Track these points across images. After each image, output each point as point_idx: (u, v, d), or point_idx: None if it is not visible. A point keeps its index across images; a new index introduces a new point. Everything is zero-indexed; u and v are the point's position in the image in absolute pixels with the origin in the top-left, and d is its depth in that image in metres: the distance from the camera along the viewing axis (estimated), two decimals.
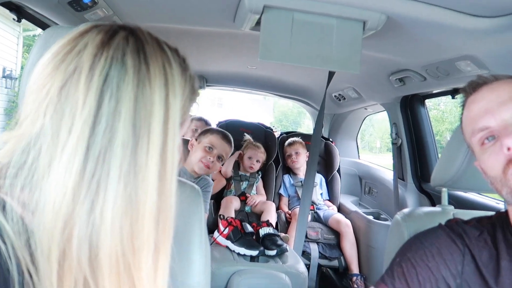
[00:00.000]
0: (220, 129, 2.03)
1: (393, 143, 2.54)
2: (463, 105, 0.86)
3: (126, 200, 0.43)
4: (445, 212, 1.09)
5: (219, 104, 24.93)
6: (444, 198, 1.15)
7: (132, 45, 0.47)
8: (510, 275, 0.73)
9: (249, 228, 1.81)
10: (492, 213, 0.89)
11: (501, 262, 0.75)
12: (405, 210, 1.11)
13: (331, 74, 2.03)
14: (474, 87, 0.82)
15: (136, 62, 0.46)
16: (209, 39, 2.04)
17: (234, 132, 3.00)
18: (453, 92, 2.01)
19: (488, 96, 0.78)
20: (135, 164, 0.44)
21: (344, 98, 3.02)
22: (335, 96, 3.09)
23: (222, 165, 2.12)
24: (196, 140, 1.92)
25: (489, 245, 0.79)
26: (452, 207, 1.15)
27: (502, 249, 0.77)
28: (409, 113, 2.44)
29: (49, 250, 0.41)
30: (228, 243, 1.77)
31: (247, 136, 2.93)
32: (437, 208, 1.13)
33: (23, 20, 1.40)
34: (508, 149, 0.70)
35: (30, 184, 0.42)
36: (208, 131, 1.95)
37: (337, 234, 2.66)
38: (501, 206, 1.73)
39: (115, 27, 0.49)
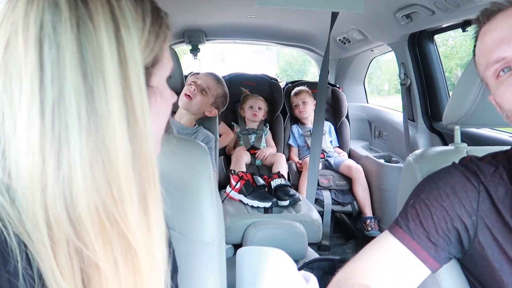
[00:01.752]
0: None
1: (401, 84, 2.47)
2: (476, 36, 0.80)
3: (93, 150, 0.41)
4: (459, 150, 1.06)
5: (222, 59, 24.49)
6: (457, 136, 1.12)
7: None
8: None
9: (261, 181, 1.82)
10: (508, 147, 0.86)
11: None
12: (417, 152, 1.08)
13: (334, 16, 1.93)
14: (488, 15, 0.76)
15: (70, 0, 0.41)
16: None
17: (239, 86, 2.97)
18: (464, 25, 1.91)
19: (503, 24, 0.72)
20: (94, 111, 0.41)
21: (349, 41, 2.91)
22: (339, 39, 2.98)
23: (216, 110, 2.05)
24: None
25: (504, 180, 0.77)
26: (465, 144, 1.11)
27: None
28: (418, 51, 2.35)
29: (33, 213, 0.40)
30: (241, 197, 1.79)
31: (244, 90, 2.88)
32: (450, 147, 1.10)
33: None
34: None
35: (3, 150, 0.41)
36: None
37: (349, 179, 2.68)
38: None
39: None
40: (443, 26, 2.11)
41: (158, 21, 0.49)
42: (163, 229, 0.50)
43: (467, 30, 1.92)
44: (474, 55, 0.83)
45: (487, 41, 0.75)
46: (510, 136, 1.76)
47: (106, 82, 0.41)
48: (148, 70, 0.49)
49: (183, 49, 4.00)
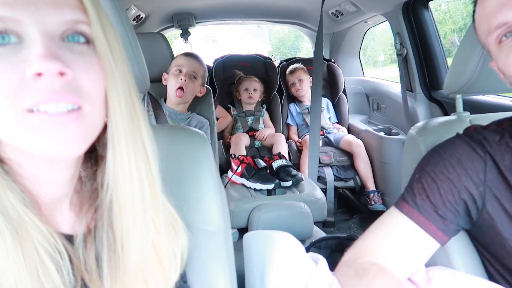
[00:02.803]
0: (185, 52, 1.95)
1: (398, 54, 2.43)
2: (475, 1, 0.77)
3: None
4: (461, 119, 1.04)
5: (213, 41, 24.20)
6: (459, 105, 1.10)
7: None
8: None
9: (262, 163, 1.81)
10: None
11: None
12: (419, 124, 1.06)
13: None
14: None
15: None
16: None
17: (233, 67, 2.93)
18: None
19: None
20: None
21: (342, 14, 2.85)
22: (332, 13, 2.92)
23: (212, 88, 2.02)
24: (167, 73, 1.85)
25: (511, 147, 0.75)
26: (468, 113, 1.09)
27: None
28: (413, 19, 2.29)
29: None
30: (243, 181, 1.78)
31: (237, 72, 2.84)
32: (452, 117, 1.08)
33: None
34: None
35: None
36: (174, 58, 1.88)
37: (349, 155, 2.67)
38: None
39: None
40: None
41: None
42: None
43: None
44: (473, 20, 0.79)
45: (488, 5, 0.71)
46: (511, 101, 1.74)
47: None
48: None
49: (173, 34, 3.93)
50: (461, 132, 0.84)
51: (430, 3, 2.25)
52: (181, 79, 1.76)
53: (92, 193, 0.54)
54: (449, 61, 2.34)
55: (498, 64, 0.74)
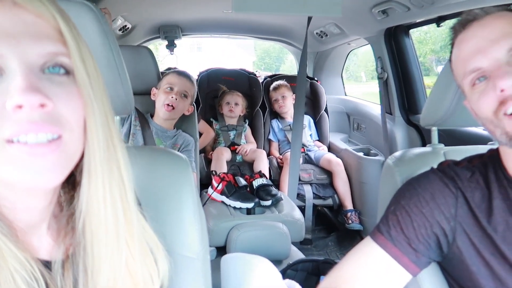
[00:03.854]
0: (177, 69, 1.95)
1: (379, 78, 2.50)
2: (452, 43, 0.81)
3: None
4: (436, 152, 1.08)
5: (198, 48, 24.18)
6: (434, 137, 1.14)
7: None
8: (502, 214, 0.74)
9: (243, 182, 1.82)
10: (484, 150, 0.89)
11: (493, 201, 0.76)
12: (396, 154, 1.10)
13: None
14: (463, 24, 0.77)
15: None
16: None
17: (217, 81, 2.95)
18: (438, 20, 1.94)
19: (479, 34, 0.73)
20: None
21: (326, 35, 2.92)
22: (316, 33, 2.98)
23: (196, 102, 2.04)
24: (156, 88, 1.85)
25: (481, 185, 0.79)
26: (442, 145, 1.14)
27: (494, 189, 0.77)
28: (394, 45, 2.37)
29: None
30: (224, 198, 1.79)
31: (221, 86, 2.87)
32: (427, 149, 1.12)
33: None
34: (502, 90, 0.67)
35: None
36: (164, 74, 1.88)
37: (329, 173, 2.71)
38: (487, 133, 1.74)
39: None
40: (418, 21, 2.14)
41: None
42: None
43: (442, 26, 1.95)
44: (450, 60, 0.84)
45: (464, 50, 0.76)
46: (484, 130, 1.80)
47: None
48: None
49: (159, 41, 3.93)
50: (435, 166, 0.88)
51: (411, 31, 2.33)
52: (172, 97, 1.76)
53: (69, 218, 0.54)
54: (427, 80, 2.43)
55: (471, 105, 0.79)
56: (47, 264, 0.50)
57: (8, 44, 0.42)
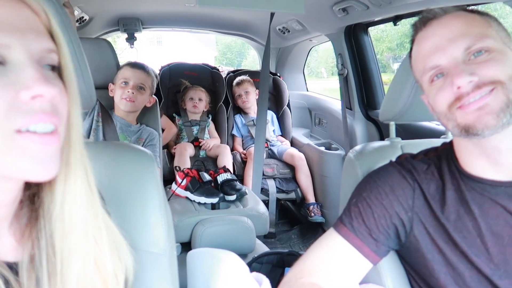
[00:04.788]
0: (131, 61, 1.90)
1: (339, 74, 2.56)
2: (413, 40, 0.85)
3: None
4: (394, 145, 1.13)
5: (158, 42, 23.71)
6: (392, 131, 1.20)
7: None
8: (454, 204, 0.79)
9: (207, 177, 1.81)
10: (437, 143, 0.94)
11: (446, 192, 0.80)
12: (357, 148, 1.14)
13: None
14: (424, 22, 0.81)
15: None
16: None
17: (179, 76, 2.91)
18: (395, 19, 2.02)
19: (438, 32, 0.77)
20: None
21: (289, 31, 2.95)
22: (279, 29, 3.01)
23: (158, 97, 2.01)
24: (113, 83, 1.81)
25: (435, 177, 0.84)
26: (399, 139, 1.19)
27: (447, 180, 0.82)
28: (353, 42, 2.44)
29: None
30: (188, 194, 1.78)
31: (183, 81, 2.84)
32: (386, 142, 1.17)
33: None
34: (458, 87, 0.71)
35: None
36: (119, 68, 1.83)
37: (292, 167, 2.75)
38: (441, 128, 1.84)
39: None
40: (376, 19, 2.21)
41: None
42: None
43: (398, 24, 2.03)
44: (410, 56, 0.88)
45: (424, 47, 0.80)
46: (437, 125, 1.91)
47: None
48: None
49: (117, 33, 3.82)
50: (394, 158, 0.93)
51: (369, 28, 2.41)
52: (128, 91, 1.72)
53: (31, 217, 0.53)
54: (384, 77, 2.52)
55: (429, 99, 0.83)
56: (12, 266, 0.48)
57: (15, 36, 0.43)
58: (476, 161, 0.79)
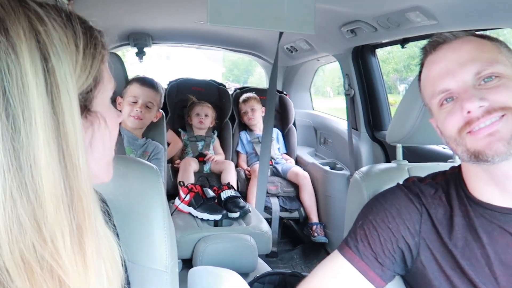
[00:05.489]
0: (140, 76, 1.90)
1: (346, 94, 2.57)
2: (422, 64, 0.85)
3: (18, 188, 0.38)
4: (400, 168, 1.12)
5: (167, 57, 23.97)
6: (399, 154, 1.19)
7: None
8: (462, 230, 0.78)
9: (211, 193, 1.80)
10: (445, 167, 0.93)
11: (454, 218, 0.79)
12: (363, 169, 1.13)
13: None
14: (434, 46, 0.81)
15: None
16: None
17: (186, 91, 2.93)
18: (403, 42, 2.03)
19: (448, 56, 0.77)
20: (20, 148, 0.38)
21: (296, 50, 2.98)
22: (287, 48, 3.04)
23: (165, 111, 2.03)
24: (121, 97, 1.81)
25: (443, 202, 0.83)
26: (406, 161, 1.18)
27: (455, 206, 0.80)
28: (361, 63, 2.46)
29: None
30: (191, 210, 1.76)
31: (190, 97, 2.85)
32: (392, 164, 1.16)
33: None
34: (468, 112, 0.71)
35: None
36: (128, 82, 1.83)
37: (296, 186, 2.74)
38: (448, 151, 1.83)
39: None
40: (384, 41, 2.23)
41: (92, 42, 0.46)
42: (99, 261, 0.48)
43: (406, 47, 2.05)
44: (419, 79, 0.88)
45: (434, 71, 0.80)
46: (443, 148, 1.89)
47: (33, 116, 0.38)
48: (88, 95, 0.46)
49: (127, 47, 3.87)
50: (400, 181, 0.92)
51: (377, 50, 2.43)
52: (137, 110, 1.74)
53: None
54: (390, 98, 2.53)
55: (438, 123, 0.83)
56: None
57: None
58: (485, 187, 0.78)
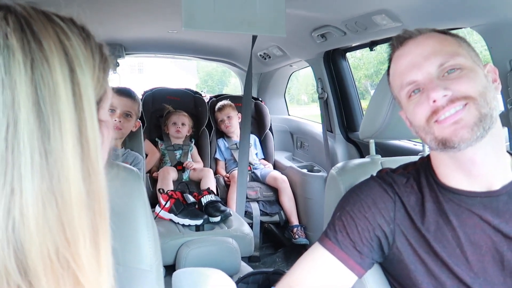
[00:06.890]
0: (117, 86, 1.90)
1: (319, 98, 2.63)
2: (390, 59, 0.90)
3: (47, 192, 0.40)
4: (374, 162, 1.17)
5: (139, 70, 23.74)
6: (372, 149, 1.24)
7: (13, 24, 0.41)
8: (433, 215, 0.82)
9: (191, 199, 1.81)
10: (415, 159, 0.98)
11: (426, 204, 0.84)
12: (339, 165, 1.17)
13: (255, 35, 2.01)
14: (401, 41, 0.86)
15: (23, 42, 0.40)
16: (123, 4, 1.90)
17: (162, 101, 2.93)
18: (371, 45, 2.11)
19: (414, 51, 0.82)
20: (50, 153, 0.40)
21: (269, 57, 3.03)
22: (260, 55, 3.09)
23: (141, 121, 2.03)
24: None
25: (415, 190, 0.87)
26: (379, 156, 1.23)
27: (426, 193, 0.85)
28: (332, 67, 2.53)
29: None
30: (172, 216, 1.76)
31: (166, 106, 2.86)
32: (366, 159, 1.21)
33: None
34: (434, 101, 0.76)
35: None
36: None
37: (275, 190, 2.77)
38: (418, 147, 1.91)
39: None
40: (354, 45, 2.30)
41: (103, 56, 0.49)
42: (111, 261, 0.49)
43: (374, 50, 2.12)
44: (388, 74, 0.92)
45: (401, 64, 0.85)
46: (414, 145, 1.97)
47: (62, 123, 0.40)
48: (99, 105, 0.49)
49: None
50: (374, 174, 0.96)
51: (347, 54, 2.50)
52: (115, 120, 1.73)
53: None
54: (364, 103, 2.61)
55: (407, 114, 0.87)
56: None
57: None
58: (452, 173, 0.82)
